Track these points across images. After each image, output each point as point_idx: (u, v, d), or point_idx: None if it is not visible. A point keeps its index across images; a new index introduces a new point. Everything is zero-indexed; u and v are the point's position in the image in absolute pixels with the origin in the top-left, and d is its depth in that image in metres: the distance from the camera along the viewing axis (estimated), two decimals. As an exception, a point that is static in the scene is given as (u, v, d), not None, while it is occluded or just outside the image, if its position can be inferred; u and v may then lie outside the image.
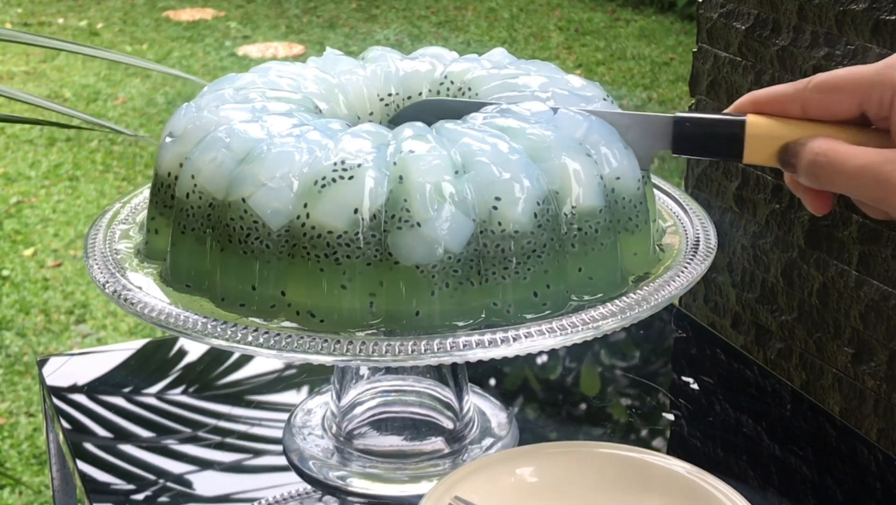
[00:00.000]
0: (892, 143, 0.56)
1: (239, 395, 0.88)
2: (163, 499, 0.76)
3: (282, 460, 0.77)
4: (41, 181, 2.98)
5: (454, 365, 0.75)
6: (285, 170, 0.62)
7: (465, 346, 0.59)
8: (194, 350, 0.94)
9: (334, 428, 0.76)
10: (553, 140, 0.64)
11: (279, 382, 0.90)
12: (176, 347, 0.95)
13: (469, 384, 0.78)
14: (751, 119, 0.60)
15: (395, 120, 0.74)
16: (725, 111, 0.62)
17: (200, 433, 0.84)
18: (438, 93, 0.75)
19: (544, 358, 0.94)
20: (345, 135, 0.64)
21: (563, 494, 0.67)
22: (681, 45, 4.12)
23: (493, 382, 0.89)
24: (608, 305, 0.63)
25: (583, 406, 0.89)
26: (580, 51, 4.12)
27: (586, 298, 0.64)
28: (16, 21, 4.64)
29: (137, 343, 0.97)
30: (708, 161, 1.16)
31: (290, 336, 0.60)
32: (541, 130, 0.65)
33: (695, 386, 0.89)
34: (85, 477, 0.77)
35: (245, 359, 0.92)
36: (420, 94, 0.76)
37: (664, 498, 0.66)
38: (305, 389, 0.88)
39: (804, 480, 0.78)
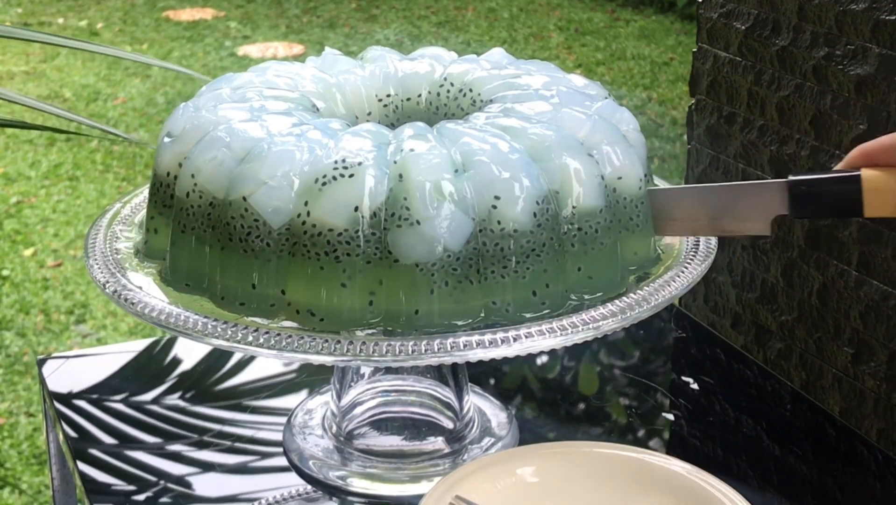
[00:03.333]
0: None
1: (239, 395, 0.88)
2: (163, 499, 0.76)
3: (282, 460, 0.77)
4: (41, 181, 2.97)
5: (454, 365, 0.75)
6: (286, 168, 0.62)
7: (465, 346, 0.59)
8: (195, 350, 0.94)
9: (334, 428, 0.76)
10: (554, 140, 0.64)
11: (279, 382, 0.90)
12: (176, 348, 0.95)
13: (469, 384, 0.78)
14: (865, 174, 0.59)
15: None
16: (837, 167, 0.61)
17: (200, 434, 0.83)
18: (438, 94, 0.75)
19: (544, 358, 0.94)
20: (345, 134, 0.64)
21: (563, 494, 0.67)
22: (681, 45, 4.12)
23: (493, 381, 0.89)
24: (608, 305, 0.63)
25: (583, 406, 0.89)
26: (580, 51, 4.12)
27: (586, 297, 0.64)
28: (16, 21, 4.64)
29: (138, 343, 0.97)
30: (708, 160, 1.16)
31: (290, 336, 0.60)
32: (542, 130, 0.65)
33: (695, 386, 0.89)
34: (85, 477, 0.77)
35: (246, 359, 0.92)
36: (419, 95, 0.76)
37: (664, 498, 0.66)
38: (305, 389, 0.88)
39: (804, 480, 0.78)
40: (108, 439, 0.82)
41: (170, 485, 0.77)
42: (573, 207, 0.64)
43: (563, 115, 0.67)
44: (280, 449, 0.78)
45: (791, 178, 0.62)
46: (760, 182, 0.65)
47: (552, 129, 0.65)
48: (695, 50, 1.16)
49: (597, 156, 0.65)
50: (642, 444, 0.81)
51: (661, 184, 0.77)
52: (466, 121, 0.67)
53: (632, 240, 0.67)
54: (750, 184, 0.66)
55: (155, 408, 0.86)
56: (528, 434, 0.79)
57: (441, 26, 4.51)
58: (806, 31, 1.02)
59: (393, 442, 0.76)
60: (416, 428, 0.76)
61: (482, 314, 0.62)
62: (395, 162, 0.62)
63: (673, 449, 0.82)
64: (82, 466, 0.78)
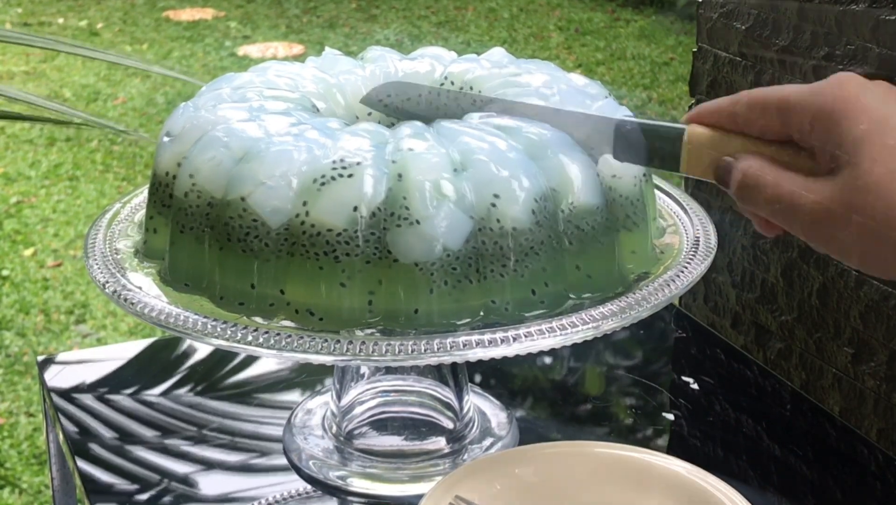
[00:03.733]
0: (820, 170, 0.53)
1: (239, 395, 0.88)
2: (163, 499, 0.76)
3: (282, 460, 0.77)
4: (41, 181, 2.98)
5: (454, 365, 0.75)
6: (284, 168, 0.62)
7: (464, 345, 0.59)
8: (195, 351, 0.94)
9: (334, 428, 0.76)
10: (551, 138, 0.64)
11: (279, 382, 0.90)
12: (177, 348, 0.95)
13: (469, 384, 0.78)
14: (690, 129, 0.57)
15: (367, 99, 0.73)
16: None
17: (200, 433, 0.83)
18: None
19: (544, 358, 0.94)
20: (344, 133, 0.64)
21: (563, 494, 0.67)
22: (681, 45, 4.12)
23: (493, 381, 0.89)
24: (608, 304, 0.63)
25: (583, 406, 0.89)
26: (580, 51, 4.12)
27: (584, 296, 0.64)
28: (16, 21, 4.64)
29: (138, 343, 0.97)
30: (708, 161, 1.16)
31: (290, 336, 0.60)
32: (539, 129, 0.65)
33: (695, 386, 0.89)
34: (85, 477, 0.77)
35: (245, 360, 0.92)
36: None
37: (664, 498, 0.66)
38: (305, 389, 0.88)
39: (804, 480, 0.78)
40: (107, 439, 0.82)
41: (169, 484, 0.77)
42: (571, 205, 0.64)
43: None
44: (280, 449, 0.78)
45: (621, 117, 0.61)
46: (594, 115, 0.64)
47: (549, 128, 0.65)
48: (695, 50, 1.16)
49: (594, 154, 0.65)
50: (642, 444, 0.81)
51: (660, 184, 0.78)
52: (463, 119, 0.67)
53: (630, 239, 0.67)
54: (584, 114, 0.64)
55: (155, 408, 0.86)
56: (528, 434, 0.79)
57: (441, 26, 4.51)
58: (806, 31, 1.02)
59: (393, 442, 0.76)
60: (416, 428, 0.76)
61: (481, 313, 0.62)
62: (393, 161, 0.62)
63: (673, 449, 0.82)
64: (82, 466, 0.78)
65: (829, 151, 0.52)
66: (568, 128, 0.65)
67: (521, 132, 0.64)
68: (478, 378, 0.87)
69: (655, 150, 0.60)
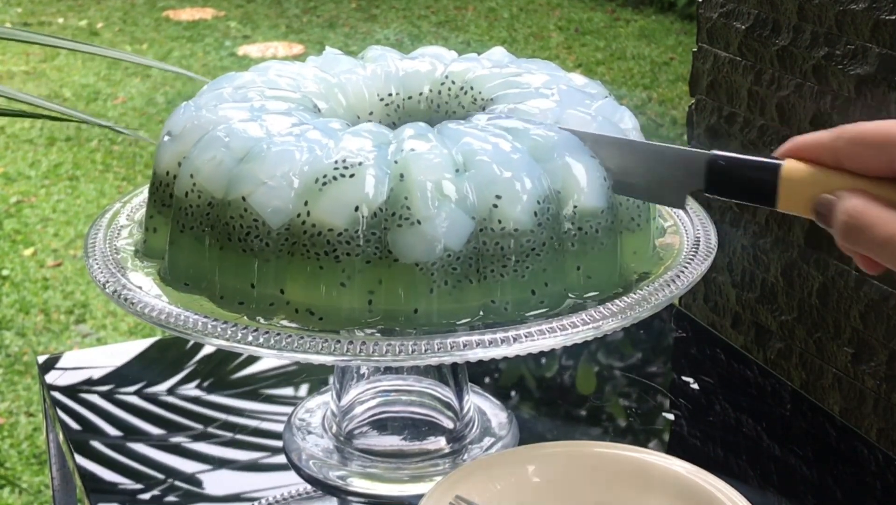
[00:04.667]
0: None
1: (238, 395, 0.88)
2: (163, 500, 0.76)
3: (282, 460, 0.77)
4: (41, 181, 2.97)
5: (454, 365, 0.75)
6: (286, 168, 0.62)
7: (465, 346, 0.59)
8: (194, 351, 0.94)
9: (334, 428, 0.76)
10: (557, 140, 0.64)
11: (279, 381, 0.90)
12: (176, 348, 0.95)
13: (469, 384, 0.78)
14: (787, 165, 0.55)
15: None
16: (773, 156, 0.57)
17: (200, 433, 0.83)
18: (440, 93, 0.75)
19: (544, 358, 0.94)
20: (345, 134, 0.64)
21: (563, 494, 0.67)
22: (681, 45, 4.12)
23: (493, 381, 0.89)
24: (608, 304, 0.63)
25: (583, 406, 0.89)
26: (580, 51, 4.12)
27: (585, 296, 0.64)
28: (16, 21, 4.64)
29: (137, 343, 0.97)
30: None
31: (290, 336, 0.59)
32: (545, 131, 0.65)
33: (695, 386, 0.89)
34: (85, 477, 0.77)
35: (245, 360, 0.92)
36: (420, 93, 0.76)
37: (664, 498, 0.66)
38: (305, 389, 0.88)
39: (804, 480, 0.78)
40: (107, 439, 0.82)
41: (169, 485, 0.77)
42: (574, 207, 0.63)
43: (568, 115, 0.67)
44: (280, 449, 0.78)
45: (714, 152, 0.59)
46: (685, 149, 0.62)
47: (555, 130, 0.65)
48: (695, 50, 1.16)
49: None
50: (642, 444, 0.81)
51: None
52: (468, 121, 0.67)
53: (632, 239, 0.67)
54: (674, 148, 0.62)
55: (155, 407, 0.86)
56: (528, 434, 0.79)
57: (441, 26, 4.51)
58: (806, 31, 1.02)
59: (393, 442, 0.76)
60: (417, 428, 0.76)
61: (481, 313, 0.62)
62: (395, 162, 0.62)
63: (673, 449, 0.82)
64: (82, 466, 0.78)
65: None
66: (657, 162, 0.63)
67: (527, 134, 0.64)
68: (478, 378, 0.87)
69: (750, 185, 0.57)
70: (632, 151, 0.65)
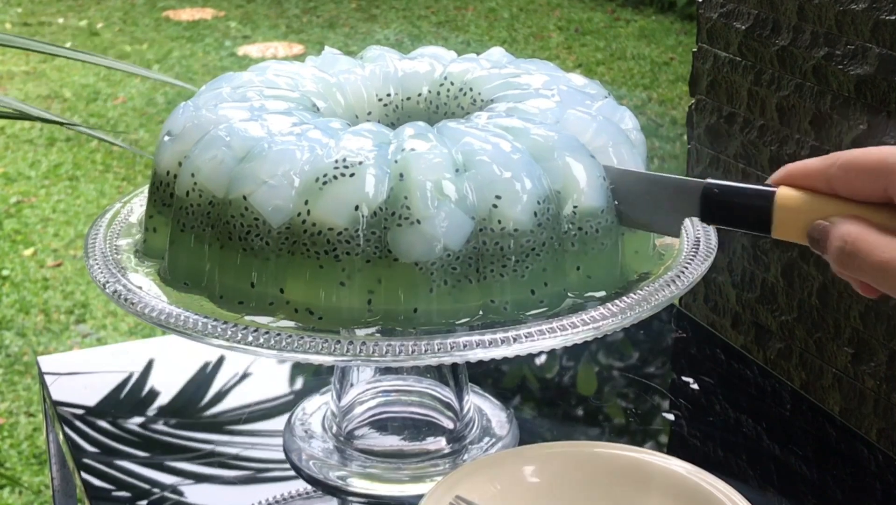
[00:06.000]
0: None
1: (239, 395, 0.88)
2: (163, 499, 0.76)
3: (282, 460, 0.77)
4: (41, 181, 2.97)
5: (454, 365, 0.75)
6: (286, 167, 0.62)
7: (465, 346, 0.59)
8: (195, 350, 0.94)
9: (334, 428, 0.76)
10: (557, 140, 0.64)
11: (279, 382, 0.90)
12: (177, 347, 0.95)
13: (469, 384, 0.78)
14: (780, 192, 0.55)
15: None
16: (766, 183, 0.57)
17: (200, 433, 0.83)
18: (438, 93, 0.75)
19: (544, 358, 0.94)
20: (346, 133, 0.64)
21: (563, 494, 0.67)
22: (681, 45, 4.12)
23: (493, 381, 0.89)
24: (608, 305, 0.63)
25: (582, 406, 0.89)
26: (580, 51, 4.12)
27: (584, 295, 0.64)
28: (16, 21, 4.64)
29: (138, 343, 0.97)
30: (708, 160, 1.16)
31: (290, 336, 0.60)
32: (545, 131, 0.65)
33: (695, 386, 0.89)
34: (85, 477, 0.77)
35: (246, 359, 0.92)
36: (419, 94, 0.76)
37: (664, 498, 0.66)
38: (305, 389, 0.88)
39: (804, 480, 0.78)
40: (107, 439, 0.82)
41: (169, 484, 0.77)
42: (574, 207, 0.64)
43: (569, 116, 0.67)
44: (280, 449, 0.78)
45: (708, 180, 0.60)
46: (679, 178, 0.62)
47: (555, 130, 0.65)
48: (695, 50, 1.16)
49: (601, 156, 0.65)
50: (642, 444, 0.81)
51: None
52: (468, 120, 0.67)
53: (632, 239, 0.67)
54: (669, 177, 0.63)
55: (155, 407, 0.86)
56: (528, 434, 0.79)
57: (441, 26, 4.51)
58: (806, 31, 1.02)
59: (393, 442, 0.76)
60: (416, 428, 0.76)
61: (480, 313, 0.62)
62: (395, 161, 0.62)
63: (673, 449, 0.82)
64: (82, 466, 0.78)
65: None
66: (652, 190, 0.63)
67: (527, 134, 0.64)
68: (478, 378, 0.87)
69: (745, 213, 0.58)
70: (627, 181, 0.65)
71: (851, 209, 0.53)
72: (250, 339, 0.60)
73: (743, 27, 1.09)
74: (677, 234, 0.64)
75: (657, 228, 0.65)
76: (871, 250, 0.51)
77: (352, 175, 0.61)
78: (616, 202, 0.65)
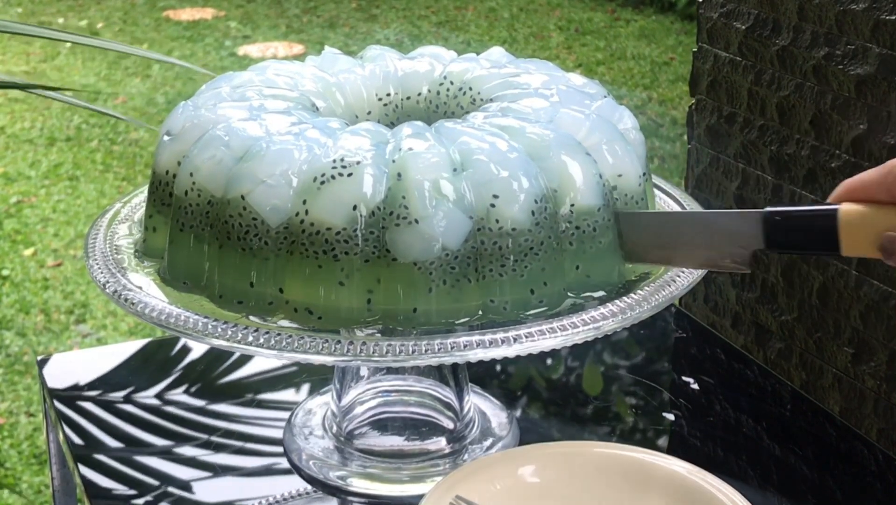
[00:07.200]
0: None
1: (239, 395, 0.88)
2: (163, 499, 0.76)
3: (282, 460, 0.77)
4: (41, 181, 2.97)
5: (454, 365, 0.75)
6: (284, 167, 0.62)
7: (465, 346, 0.59)
8: (194, 350, 0.94)
9: (335, 428, 0.76)
10: (553, 139, 0.64)
11: (279, 382, 0.90)
12: (176, 347, 0.95)
13: (469, 384, 0.78)
14: (843, 209, 0.55)
15: None
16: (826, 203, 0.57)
17: (200, 433, 0.83)
18: (438, 93, 0.75)
19: (545, 358, 0.94)
20: (344, 133, 0.64)
21: (563, 494, 0.67)
22: (681, 45, 4.12)
23: (493, 381, 0.89)
24: (608, 305, 0.63)
25: (583, 406, 0.89)
26: (580, 51, 4.12)
27: (584, 295, 0.64)
28: (16, 20, 4.64)
29: (138, 343, 0.97)
30: (708, 160, 1.16)
31: (290, 336, 0.59)
32: (541, 130, 0.65)
33: (695, 386, 0.89)
34: (85, 477, 0.77)
35: (245, 359, 0.92)
36: (419, 93, 0.76)
37: (664, 498, 0.66)
38: (305, 389, 0.88)
39: (804, 480, 0.78)
40: (107, 439, 0.82)
41: (169, 484, 0.77)
42: (571, 206, 0.63)
43: (562, 115, 0.67)
44: (280, 449, 0.78)
45: (768, 209, 0.59)
46: (735, 211, 0.61)
47: (551, 129, 0.65)
48: (695, 50, 1.16)
49: (595, 155, 0.65)
50: (642, 444, 0.81)
51: (660, 183, 0.77)
52: (465, 120, 0.67)
53: (631, 239, 0.67)
54: (724, 212, 0.62)
55: (155, 408, 0.86)
56: (528, 434, 0.79)
57: (441, 26, 4.51)
58: (806, 31, 1.01)
59: (393, 442, 0.76)
60: (417, 428, 0.76)
61: (480, 312, 0.62)
62: (393, 161, 0.62)
63: (673, 449, 0.82)
64: (82, 466, 0.78)
65: None
66: (715, 226, 0.62)
67: (523, 133, 0.64)
68: (478, 378, 0.87)
69: (811, 236, 0.57)
70: (684, 223, 0.64)
71: None
72: (250, 339, 0.60)
73: (743, 27, 1.09)
74: (748, 269, 0.62)
75: (723, 267, 0.63)
76: None
77: (350, 175, 0.61)
78: (672, 247, 0.63)
